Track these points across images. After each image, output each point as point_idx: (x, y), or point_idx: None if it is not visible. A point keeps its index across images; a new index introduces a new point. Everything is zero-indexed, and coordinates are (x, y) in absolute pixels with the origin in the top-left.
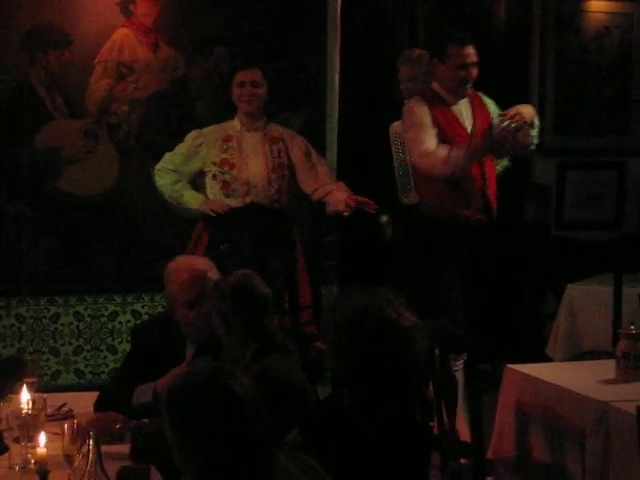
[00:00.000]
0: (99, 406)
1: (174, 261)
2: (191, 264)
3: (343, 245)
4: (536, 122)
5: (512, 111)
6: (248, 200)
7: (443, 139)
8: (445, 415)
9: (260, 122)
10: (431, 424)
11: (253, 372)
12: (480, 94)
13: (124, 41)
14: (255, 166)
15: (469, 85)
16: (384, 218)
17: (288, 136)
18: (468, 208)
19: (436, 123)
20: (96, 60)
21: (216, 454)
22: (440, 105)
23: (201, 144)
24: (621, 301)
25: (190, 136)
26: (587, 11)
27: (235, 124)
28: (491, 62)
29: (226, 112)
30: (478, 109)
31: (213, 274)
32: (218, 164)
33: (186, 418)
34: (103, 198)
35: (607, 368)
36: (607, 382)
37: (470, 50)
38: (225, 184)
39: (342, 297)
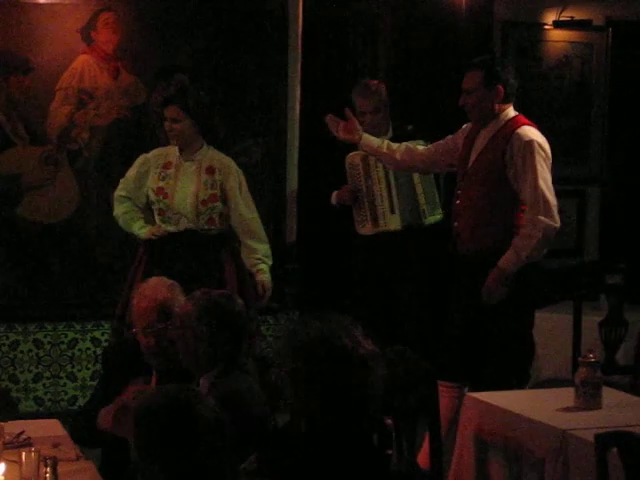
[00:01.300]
0: (74, 430)
1: (140, 287)
2: (153, 292)
3: (304, 273)
4: None
5: None
6: (182, 227)
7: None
8: (404, 443)
9: (197, 152)
10: (389, 452)
11: (216, 393)
12: (519, 132)
13: (85, 68)
14: (185, 198)
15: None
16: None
17: (225, 167)
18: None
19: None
20: (57, 87)
21: (179, 477)
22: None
23: (148, 169)
24: (581, 329)
25: (138, 161)
26: (547, 40)
27: (176, 151)
28: (451, 90)
29: None
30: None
31: (178, 302)
32: (155, 192)
33: (151, 439)
34: (63, 225)
35: (566, 396)
36: (566, 410)
37: (466, 77)
38: (161, 211)
39: (298, 324)
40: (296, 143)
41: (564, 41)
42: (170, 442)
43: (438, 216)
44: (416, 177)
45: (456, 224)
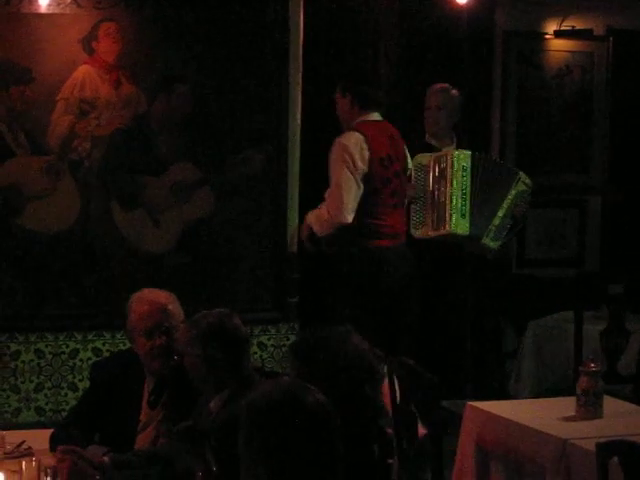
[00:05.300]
0: (54, 443)
1: (138, 292)
2: (153, 296)
3: (305, 283)
4: None
5: None
6: None
7: None
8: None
9: None
10: (390, 461)
11: (223, 414)
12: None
13: (86, 78)
14: None
15: None
16: None
17: None
18: None
19: None
20: (58, 97)
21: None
22: None
23: None
24: (582, 338)
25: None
26: (548, 49)
27: None
28: None
29: (187, 149)
30: None
31: (174, 307)
32: None
33: (264, 437)
34: (64, 235)
35: (567, 405)
36: (567, 419)
37: None
38: None
39: (300, 335)
40: (297, 152)
41: (565, 50)
42: (283, 439)
43: (492, 243)
44: (507, 202)
45: None
